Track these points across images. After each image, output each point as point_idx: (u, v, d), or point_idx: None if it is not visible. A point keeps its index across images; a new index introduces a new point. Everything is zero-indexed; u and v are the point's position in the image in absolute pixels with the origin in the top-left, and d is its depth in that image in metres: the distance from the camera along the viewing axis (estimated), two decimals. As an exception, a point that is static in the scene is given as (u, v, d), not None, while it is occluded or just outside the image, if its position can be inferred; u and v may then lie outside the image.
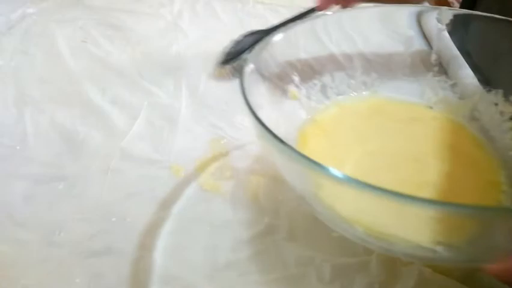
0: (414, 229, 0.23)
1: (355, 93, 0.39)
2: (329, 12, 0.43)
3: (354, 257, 0.30)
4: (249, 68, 0.30)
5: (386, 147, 0.34)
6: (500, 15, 0.35)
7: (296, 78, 0.36)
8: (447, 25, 0.39)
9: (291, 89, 0.36)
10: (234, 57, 0.49)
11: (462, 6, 0.61)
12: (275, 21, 0.57)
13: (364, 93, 0.39)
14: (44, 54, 0.51)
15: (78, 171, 0.37)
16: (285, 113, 0.35)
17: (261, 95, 0.31)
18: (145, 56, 0.51)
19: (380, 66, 0.39)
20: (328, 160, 0.23)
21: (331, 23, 0.38)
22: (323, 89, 0.38)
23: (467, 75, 0.41)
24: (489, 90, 0.36)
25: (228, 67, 0.48)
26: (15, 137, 0.40)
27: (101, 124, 0.42)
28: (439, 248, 0.23)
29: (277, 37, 0.33)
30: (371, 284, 0.29)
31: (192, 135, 0.41)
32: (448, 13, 0.38)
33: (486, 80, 0.38)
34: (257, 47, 0.31)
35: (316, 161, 0.21)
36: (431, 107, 0.38)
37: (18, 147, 0.39)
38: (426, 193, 0.30)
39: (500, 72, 0.37)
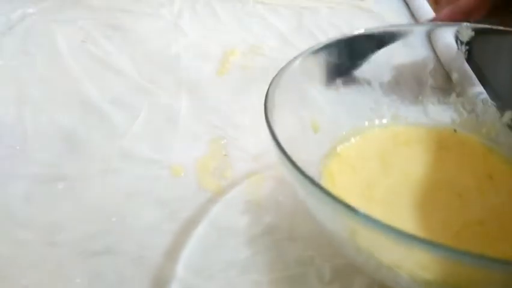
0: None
1: (376, 120, 0.36)
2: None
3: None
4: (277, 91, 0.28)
5: (419, 181, 0.31)
6: (500, 14, 0.34)
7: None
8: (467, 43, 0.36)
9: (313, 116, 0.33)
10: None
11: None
12: (275, 21, 0.58)
13: (384, 120, 0.36)
14: (44, 54, 0.51)
15: (78, 171, 0.37)
16: (306, 143, 0.32)
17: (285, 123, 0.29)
18: (145, 56, 0.51)
19: (399, 88, 0.37)
20: (359, 200, 0.22)
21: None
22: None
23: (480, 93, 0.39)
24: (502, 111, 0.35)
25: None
26: (15, 137, 0.40)
27: (101, 124, 0.42)
28: None
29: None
30: (371, 284, 0.29)
31: (192, 135, 0.41)
32: (467, 30, 0.36)
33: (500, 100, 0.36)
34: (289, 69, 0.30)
35: (349, 204, 0.20)
36: (455, 130, 0.36)
37: (18, 147, 0.39)
38: (476, 234, 0.27)
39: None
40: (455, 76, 0.40)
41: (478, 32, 0.36)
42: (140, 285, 0.29)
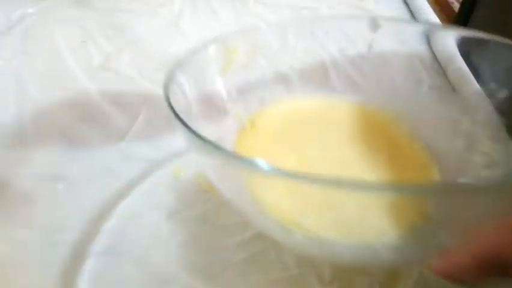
0: (355, 225, 0.23)
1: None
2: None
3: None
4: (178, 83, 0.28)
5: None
6: (499, 13, 0.34)
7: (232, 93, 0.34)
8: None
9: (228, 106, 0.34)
10: None
11: (462, 6, 0.61)
12: (275, 21, 0.58)
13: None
14: (44, 54, 0.51)
15: (78, 171, 0.37)
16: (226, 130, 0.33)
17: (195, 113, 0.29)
18: (145, 56, 0.51)
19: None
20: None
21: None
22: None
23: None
24: None
25: None
26: (15, 137, 0.40)
27: (101, 124, 0.42)
28: (380, 246, 0.23)
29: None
30: (371, 284, 0.29)
31: (191, 135, 0.41)
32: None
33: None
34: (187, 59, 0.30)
35: (242, 155, 0.21)
36: None
37: (18, 147, 0.39)
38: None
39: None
40: (451, 74, 0.40)
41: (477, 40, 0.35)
42: (140, 286, 0.30)
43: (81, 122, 0.42)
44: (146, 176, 0.37)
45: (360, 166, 0.31)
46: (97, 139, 0.40)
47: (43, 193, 0.35)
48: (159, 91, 0.47)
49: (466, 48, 0.37)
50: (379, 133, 0.35)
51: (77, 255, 0.31)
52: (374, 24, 0.35)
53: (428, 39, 0.40)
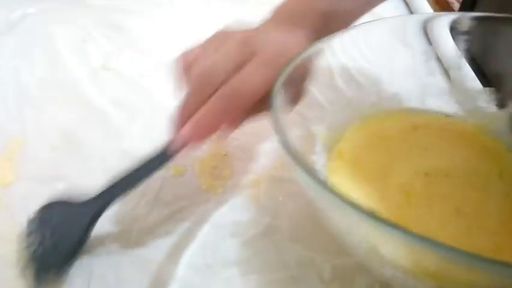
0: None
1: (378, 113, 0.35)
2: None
3: (353, 258, 0.30)
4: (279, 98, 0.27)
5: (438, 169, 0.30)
6: (500, 11, 0.34)
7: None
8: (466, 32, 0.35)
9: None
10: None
11: (462, 5, 0.61)
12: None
13: (386, 112, 0.35)
14: (44, 54, 0.51)
15: (78, 171, 0.37)
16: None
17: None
18: (145, 56, 0.51)
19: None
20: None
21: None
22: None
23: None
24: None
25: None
26: (15, 136, 0.40)
27: (101, 124, 0.42)
28: None
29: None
30: (371, 284, 0.29)
31: (192, 135, 0.41)
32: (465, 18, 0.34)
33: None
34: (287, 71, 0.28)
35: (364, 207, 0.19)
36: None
37: (18, 147, 0.39)
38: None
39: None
40: (453, 73, 0.39)
41: (477, 20, 0.34)
42: (140, 285, 0.30)
43: (81, 122, 0.42)
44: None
45: (478, 212, 0.28)
46: (97, 139, 0.40)
47: (43, 193, 0.35)
48: (159, 91, 0.47)
49: None
50: (490, 161, 0.31)
51: (78, 255, 0.31)
52: None
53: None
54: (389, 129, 0.34)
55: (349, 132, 0.34)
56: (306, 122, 0.33)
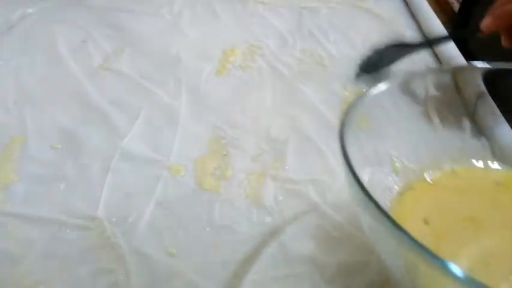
0: None
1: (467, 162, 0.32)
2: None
3: (354, 257, 0.30)
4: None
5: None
6: None
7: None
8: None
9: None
10: (374, 67, 0.46)
11: (462, 6, 0.61)
12: (275, 21, 0.58)
13: (473, 161, 0.32)
14: (44, 54, 0.51)
15: (78, 171, 0.37)
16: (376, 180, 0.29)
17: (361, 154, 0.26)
18: (145, 56, 0.51)
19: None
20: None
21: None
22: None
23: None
24: None
25: (367, 77, 0.46)
26: (15, 137, 0.40)
27: (101, 124, 0.42)
28: None
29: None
30: (371, 284, 0.29)
31: (192, 135, 0.41)
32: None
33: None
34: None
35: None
36: None
37: (18, 147, 0.39)
38: None
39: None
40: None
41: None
42: (141, 282, 0.30)
43: (81, 122, 0.42)
44: (146, 176, 0.37)
45: None
46: (97, 139, 0.40)
47: (43, 193, 0.35)
48: (159, 91, 0.47)
49: None
50: None
51: (79, 255, 0.31)
52: None
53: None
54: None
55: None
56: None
